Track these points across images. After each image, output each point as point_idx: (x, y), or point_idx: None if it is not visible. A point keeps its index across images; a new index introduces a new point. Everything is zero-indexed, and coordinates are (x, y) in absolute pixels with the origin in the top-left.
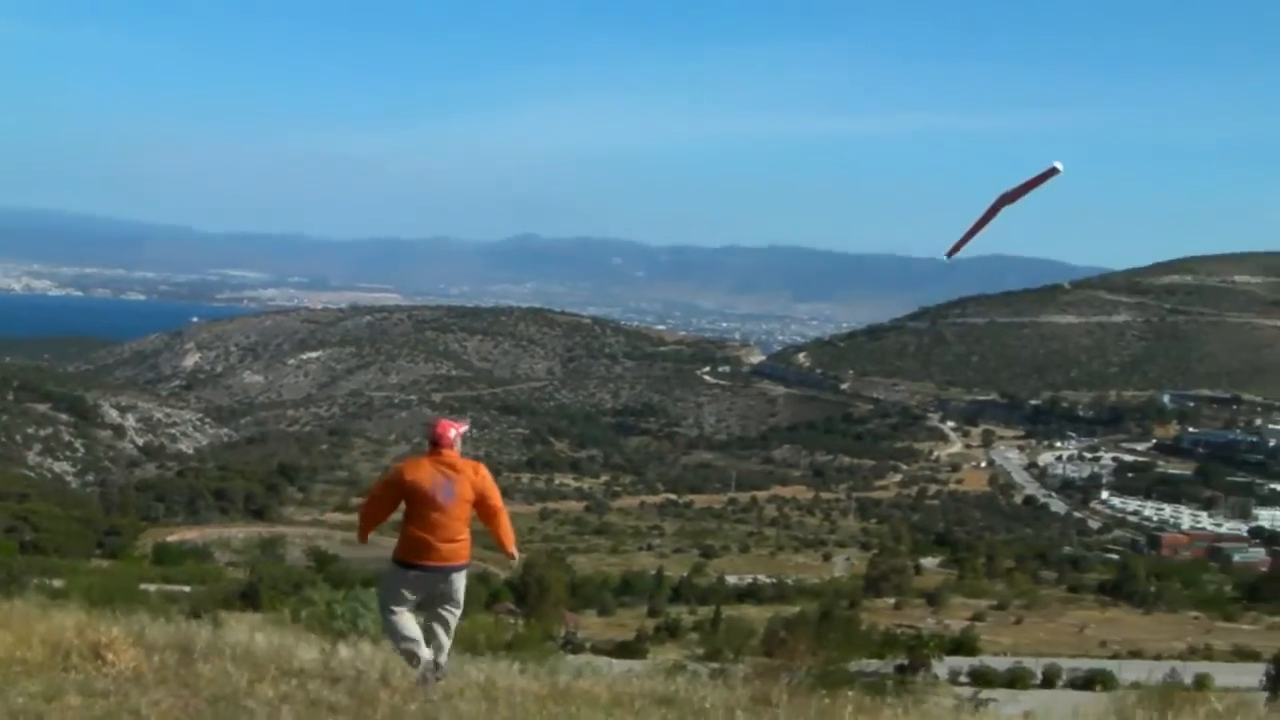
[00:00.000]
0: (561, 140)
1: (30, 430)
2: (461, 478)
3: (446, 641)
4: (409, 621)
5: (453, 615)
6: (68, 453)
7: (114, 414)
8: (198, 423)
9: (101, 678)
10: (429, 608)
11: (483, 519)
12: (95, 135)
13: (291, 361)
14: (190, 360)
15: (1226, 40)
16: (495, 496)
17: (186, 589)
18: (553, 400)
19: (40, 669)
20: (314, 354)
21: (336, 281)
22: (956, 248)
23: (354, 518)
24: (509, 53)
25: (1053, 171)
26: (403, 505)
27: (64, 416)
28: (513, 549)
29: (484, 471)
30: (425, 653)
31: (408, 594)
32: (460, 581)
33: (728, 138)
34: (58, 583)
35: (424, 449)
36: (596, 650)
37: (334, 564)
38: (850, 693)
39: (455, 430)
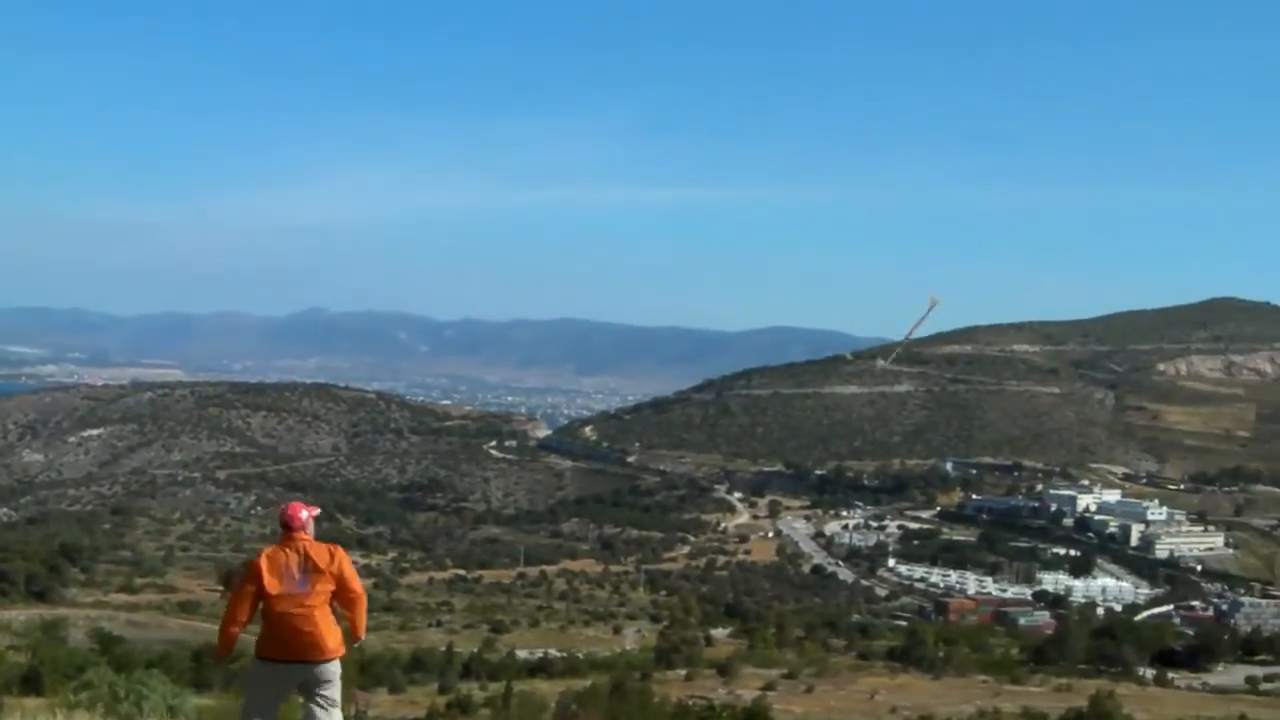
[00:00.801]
0: (344, 212)
1: None
2: (316, 563)
3: None
4: None
5: (329, 705)
6: None
7: None
8: None
9: None
10: (306, 701)
11: (341, 604)
12: None
13: (72, 439)
14: None
15: (1002, 112)
16: (354, 581)
17: None
18: (339, 476)
19: None
20: (95, 431)
21: (118, 357)
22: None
23: (140, 599)
24: (289, 125)
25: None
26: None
27: None
28: (362, 633)
29: (341, 554)
30: None
31: (268, 695)
32: (329, 673)
33: (512, 210)
34: None
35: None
36: None
37: (119, 645)
38: None
39: (307, 512)
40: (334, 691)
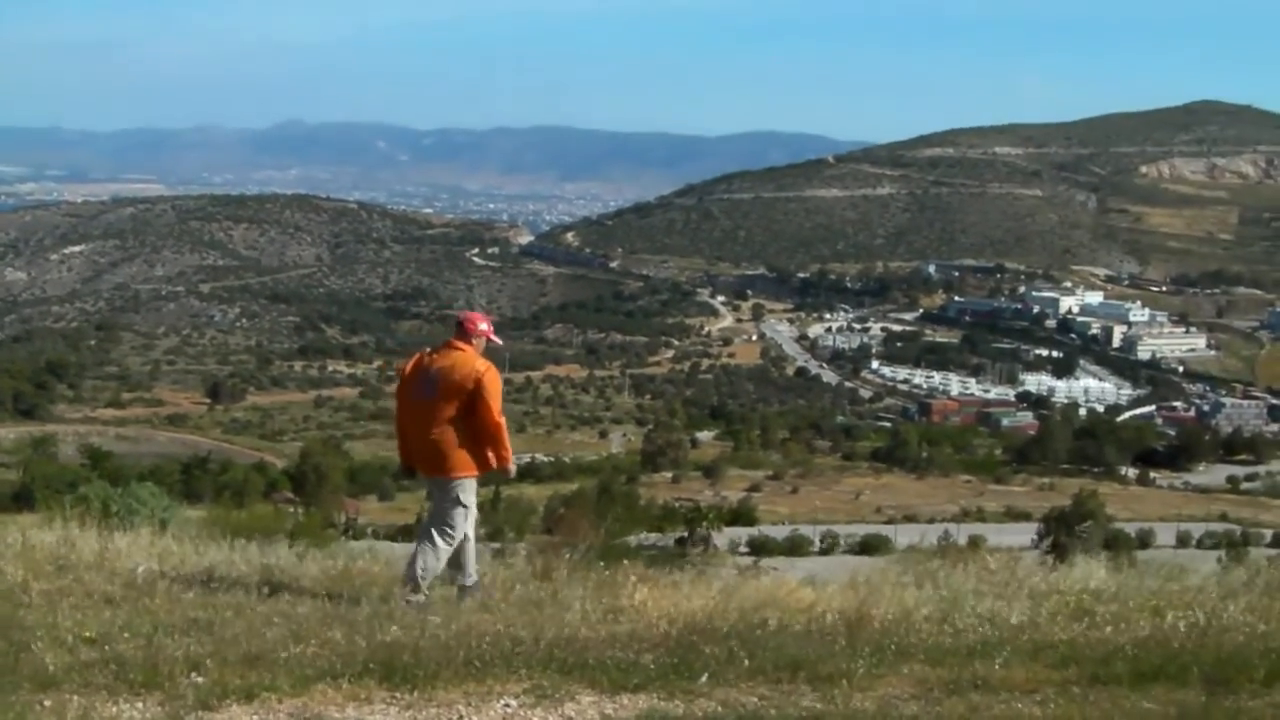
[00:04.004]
0: (322, 23)
1: None
2: (453, 373)
3: (431, 562)
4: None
5: (435, 529)
6: None
7: None
8: None
9: None
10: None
11: (477, 432)
12: None
13: (54, 257)
14: None
15: None
16: (490, 411)
17: None
18: (322, 287)
19: None
20: (77, 248)
21: (97, 173)
22: None
23: (128, 413)
24: None
25: None
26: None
27: None
28: (502, 466)
29: (489, 378)
30: (414, 570)
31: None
32: (444, 492)
33: (492, 16)
34: None
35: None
36: (378, 535)
37: (109, 460)
38: (629, 564)
39: (485, 323)
40: (447, 514)
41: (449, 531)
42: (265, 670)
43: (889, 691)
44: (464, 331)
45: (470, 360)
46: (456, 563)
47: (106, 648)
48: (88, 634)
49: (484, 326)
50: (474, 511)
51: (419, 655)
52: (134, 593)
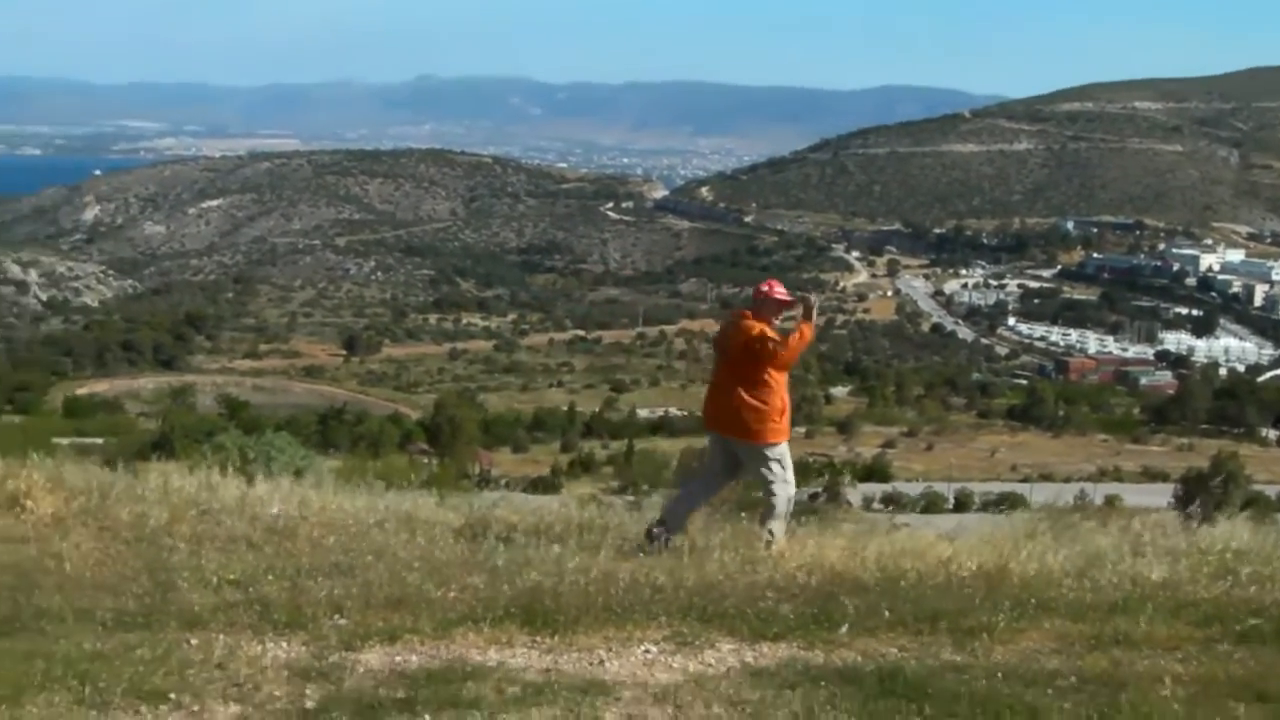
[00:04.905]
0: None
1: None
2: (739, 337)
3: (772, 515)
4: (680, 493)
5: (766, 490)
6: None
7: (16, 270)
8: (101, 275)
9: (21, 524)
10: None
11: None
12: None
13: (192, 211)
14: (90, 213)
15: None
16: (766, 364)
17: (99, 441)
18: (457, 240)
19: None
20: (215, 202)
21: (234, 129)
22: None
23: (264, 364)
24: None
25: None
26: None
27: None
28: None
29: (760, 331)
30: (660, 529)
31: (709, 462)
32: (750, 457)
33: None
34: None
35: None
36: (511, 487)
37: (246, 410)
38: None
39: (778, 290)
40: (761, 472)
41: (783, 489)
42: (407, 613)
43: (1030, 645)
44: (760, 297)
45: (754, 324)
46: (677, 513)
47: (250, 589)
48: (231, 576)
49: (779, 291)
50: (790, 467)
51: (559, 601)
52: (275, 537)
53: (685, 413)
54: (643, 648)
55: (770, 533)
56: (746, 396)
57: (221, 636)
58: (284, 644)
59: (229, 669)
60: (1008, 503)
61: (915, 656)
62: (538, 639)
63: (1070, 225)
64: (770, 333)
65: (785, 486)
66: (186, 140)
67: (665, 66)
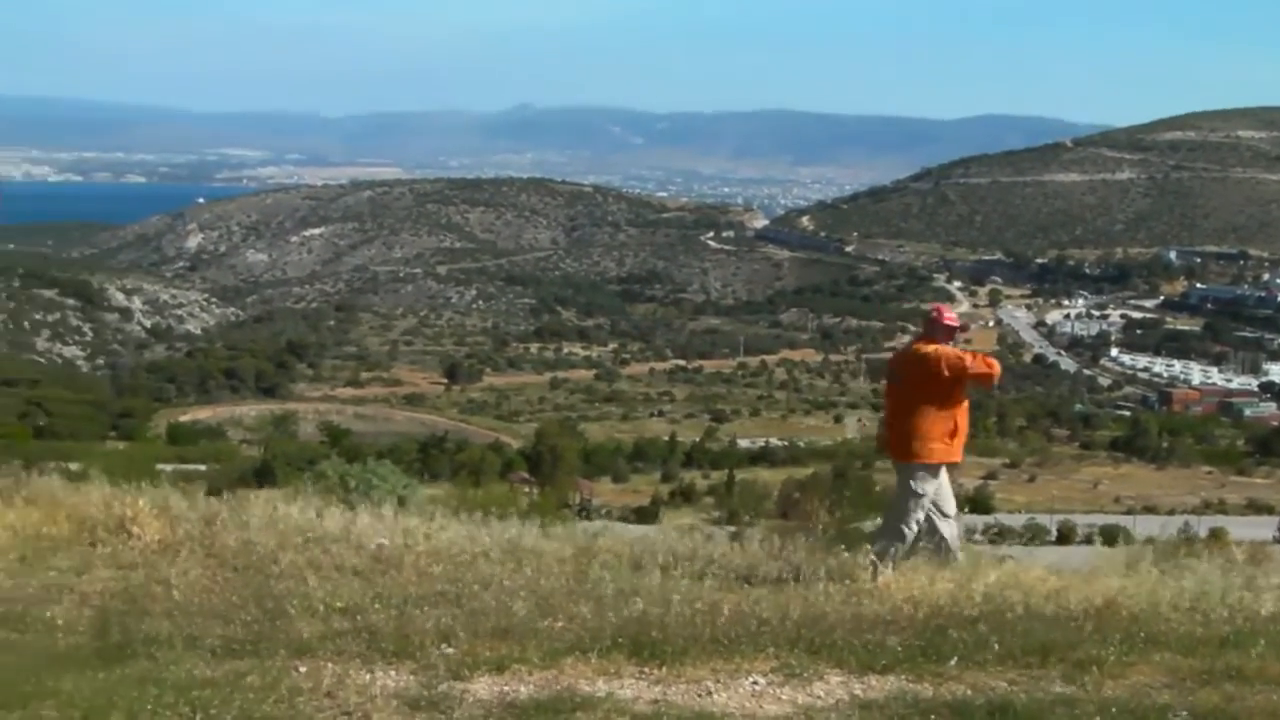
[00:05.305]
0: (553, 6)
1: (38, 316)
2: (914, 362)
3: (944, 538)
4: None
5: (937, 515)
6: (76, 337)
7: (120, 297)
8: (204, 303)
9: (129, 550)
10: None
11: (974, 383)
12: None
13: (294, 239)
14: (193, 241)
15: None
16: (947, 377)
17: (202, 467)
18: (558, 269)
19: (68, 543)
20: (316, 231)
21: (335, 157)
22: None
23: (366, 392)
24: None
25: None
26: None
27: (70, 301)
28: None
29: (941, 353)
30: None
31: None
32: (906, 476)
33: (723, 1)
34: (74, 465)
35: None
36: (611, 516)
37: (347, 438)
38: (869, 547)
39: (947, 315)
40: (900, 500)
41: (904, 516)
42: (514, 643)
43: (1140, 680)
44: (930, 323)
45: (928, 348)
46: (940, 545)
47: (358, 617)
48: (339, 604)
49: (949, 315)
50: (927, 498)
51: (666, 631)
52: (381, 565)
53: (785, 443)
54: (751, 679)
55: (876, 558)
56: (908, 420)
57: (330, 665)
58: (392, 673)
59: (338, 697)
60: (1111, 535)
61: (1025, 690)
62: (646, 669)
63: (1173, 255)
64: (944, 350)
65: (917, 513)
66: (289, 169)
67: (766, 95)
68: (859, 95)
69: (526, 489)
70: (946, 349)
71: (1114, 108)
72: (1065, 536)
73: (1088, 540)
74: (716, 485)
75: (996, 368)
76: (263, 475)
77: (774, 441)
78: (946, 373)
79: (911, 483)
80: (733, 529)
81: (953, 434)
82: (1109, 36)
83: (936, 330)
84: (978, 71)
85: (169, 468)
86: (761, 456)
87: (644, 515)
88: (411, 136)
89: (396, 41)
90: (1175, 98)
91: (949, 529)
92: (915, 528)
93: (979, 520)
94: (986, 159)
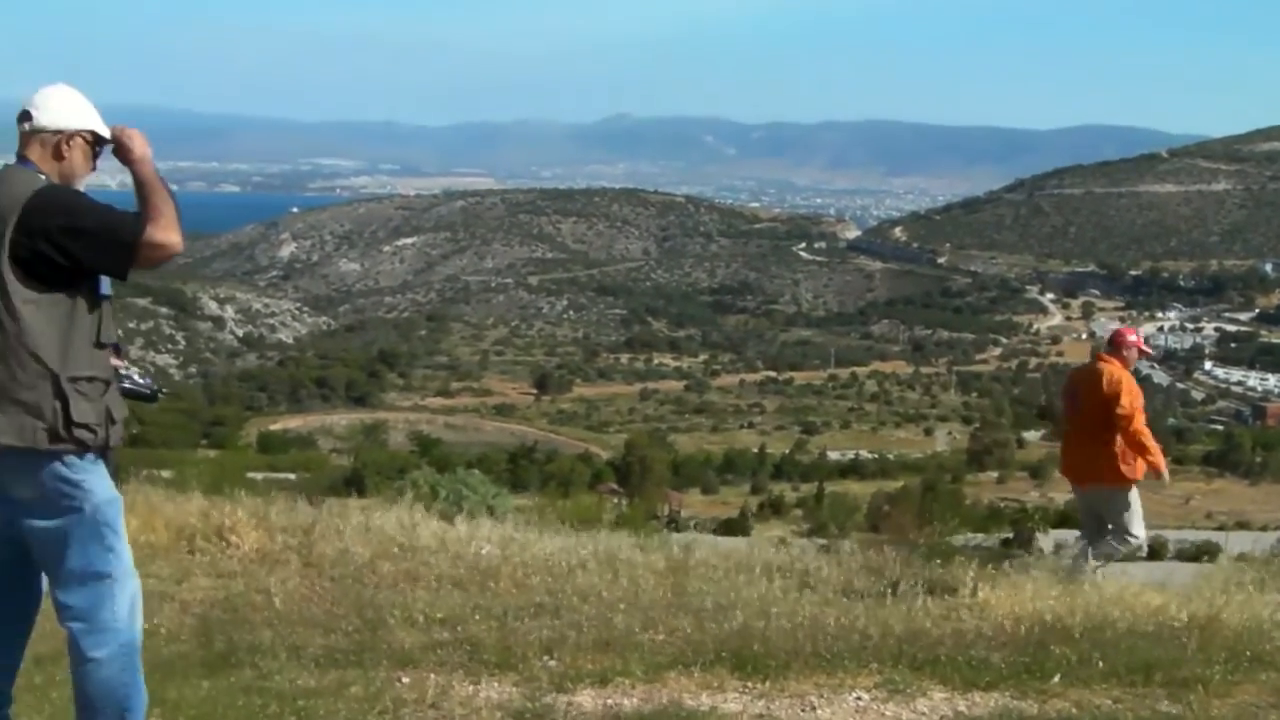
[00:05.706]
0: (652, 18)
1: (131, 325)
2: (1093, 386)
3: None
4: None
5: (1111, 535)
6: (169, 346)
7: (213, 306)
8: (296, 312)
9: (227, 559)
10: None
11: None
12: (183, 28)
13: (387, 248)
14: (286, 250)
15: None
16: (1120, 404)
17: (291, 476)
18: (649, 280)
19: (167, 552)
20: (409, 240)
21: (428, 167)
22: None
23: (456, 402)
24: None
25: None
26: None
27: (164, 310)
28: (1157, 470)
29: (1115, 377)
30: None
31: (1082, 512)
32: (1096, 500)
33: (820, 9)
34: (166, 473)
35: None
36: (700, 528)
37: (437, 448)
38: (963, 560)
39: (1132, 336)
40: (1110, 518)
41: (1126, 538)
42: (616, 655)
43: (1246, 699)
44: (1112, 345)
45: (1108, 371)
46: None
47: (458, 629)
48: (439, 615)
49: (1131, 339)
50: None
51: (769, 645)
52: (479, 576)
53: (876, 455)
54: (854, 694)
55: (1095, 563)
56: (1090, 444)
57: (433, 676)
58: (496, 684)
59: (443, 709)
60: (1204, 551)
61: (1130, 709)
62: (749, 684)
63: (1269, 267)
64: (1125, 382)
65: (1133, 529)
66: (382, 178)
67: (860, 106)
68: (954, 105)
69: (615, 500)
70: (1128, 381)
71: (1210, 118)
72: (1156, 552)
73: (1180, 557)
74: (805, 498)
75: (1154, 452)
76: (352, 484)
77: (864, 454)
78: (1114, 402)
79: (1113, 505)
80: (823, 542)
81: (1128, 451)
82: (1205, 47)
83: (1116, 350)
84: (1074, 81)
85: (260, 476)
86: (851, 469)
87: (732, 527)
88: (504, 147)
89: (494, 53)
90: (1272, 108)
91: (1105, 546)
92: (1141, 534)
93: (1069, 535)
94: (1081, 169)
